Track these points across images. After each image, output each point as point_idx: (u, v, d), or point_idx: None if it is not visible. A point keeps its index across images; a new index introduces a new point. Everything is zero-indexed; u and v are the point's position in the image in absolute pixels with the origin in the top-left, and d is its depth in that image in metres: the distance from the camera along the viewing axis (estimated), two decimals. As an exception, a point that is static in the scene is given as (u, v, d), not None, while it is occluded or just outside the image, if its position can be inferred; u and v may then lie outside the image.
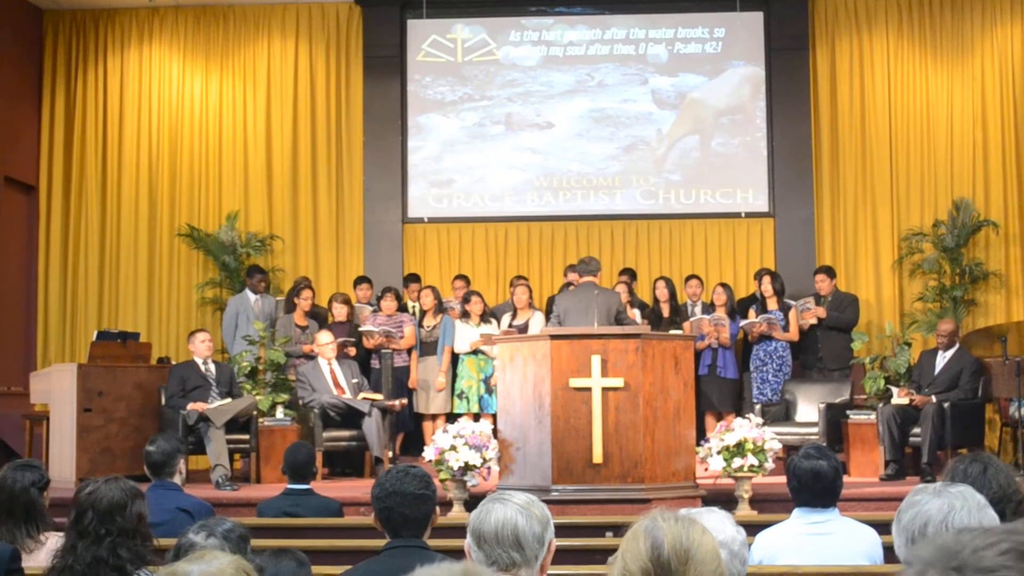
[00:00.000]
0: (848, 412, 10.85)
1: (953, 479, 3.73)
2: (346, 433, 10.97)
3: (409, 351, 11.93)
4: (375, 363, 11.80)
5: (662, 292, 12.17)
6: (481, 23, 14.02)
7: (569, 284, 12.14)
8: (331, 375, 11.19)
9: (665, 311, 12.08)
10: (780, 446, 8.93)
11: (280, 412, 10.98)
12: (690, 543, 2.37)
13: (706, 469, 8.90)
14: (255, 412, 10.70)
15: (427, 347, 11.94)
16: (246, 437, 10.65)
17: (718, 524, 3.34)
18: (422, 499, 3.91)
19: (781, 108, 13.62)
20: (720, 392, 11.74)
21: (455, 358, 11.86)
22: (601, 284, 10.24)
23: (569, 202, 13.78)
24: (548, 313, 11.96)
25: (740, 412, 11.07)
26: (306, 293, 11.99)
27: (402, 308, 12.33)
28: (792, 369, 11.83)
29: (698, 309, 12.20)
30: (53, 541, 4.67)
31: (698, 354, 11.29)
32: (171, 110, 14.00)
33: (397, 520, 3.89)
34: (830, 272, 12.33)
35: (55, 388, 10.82)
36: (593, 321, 9.22)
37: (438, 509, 4.02)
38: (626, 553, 2.39)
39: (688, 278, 12.52)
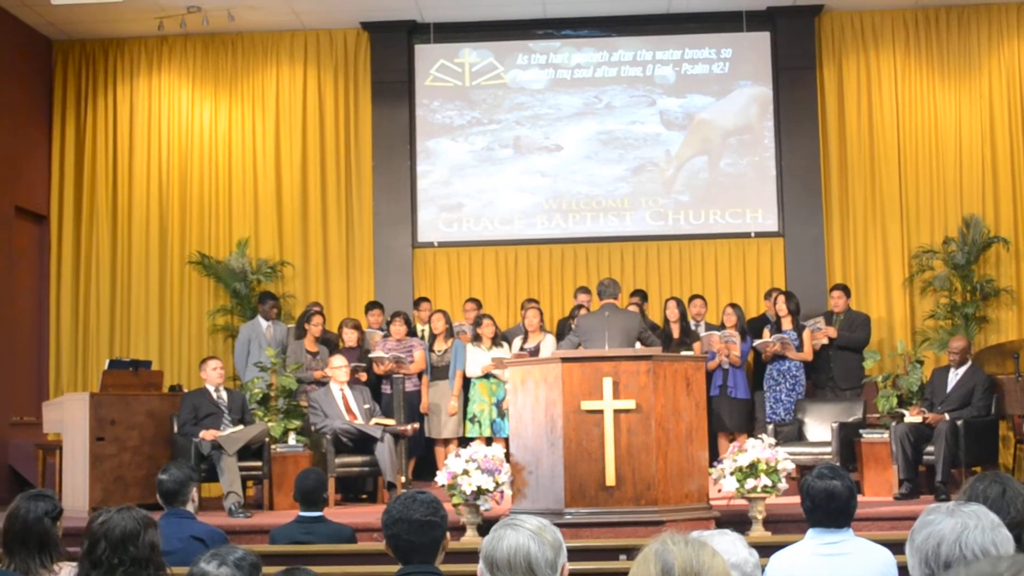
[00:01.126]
0: (861, 431, 10.82)
1: (971, 499, 3.70)
2: (358, 459, 10.96)
3: (419, 376, 11.92)
4: (386, 388, 11.80)
5: (673, 312, 12.15)
6: (488, 47, 14.06)
7: (580, 306, 12.14)
8: (343, 401, 11.18)
9: (675, 332, 12.06)
10: (793, 466, 8.90)
11: (292, 438, 10.97)
12: (700, 566, 2.36)
13: (719, 490, 8.89)
14: (267, 439, 10.70)
15: (438, 371, 11.94)
16: (259, 464, 10.63)
17: (730, 546, 3.33)
18: (429, 526, 3.89)
19: (789, 127, 13.63)
20: (732, 412, 11.72)
21: (467, 382, 11.86)
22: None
23: (579, 224, 13.80)
24: (559, 336, 11.98)
25: (752, 432, 11.05)
26: (316, 319, 12.00)
27: (412, 332, 12.33)
28: (805, 388, 11.81)
29: (701, 329, 12.19)
30: (67, 571, 4.67)
31: (709, 375, 11.28)
32: (181, 138, 14.05)
33: (405, 547, 3.88)
34: (846, 290, 12.33)
35: (68, 417, 10.83)
36: (605, 344, 9.22)
37: (448, 535, 4.00)
38: (637, 577, 2.39)
39: (692, 298, 12.53)
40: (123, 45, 14.17)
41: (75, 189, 14.03)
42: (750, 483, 8.59)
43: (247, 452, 10.50)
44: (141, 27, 13.64)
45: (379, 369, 11.73)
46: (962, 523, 3.04)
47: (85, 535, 4.36)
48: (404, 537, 3.87)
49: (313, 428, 11.10)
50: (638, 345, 9.93)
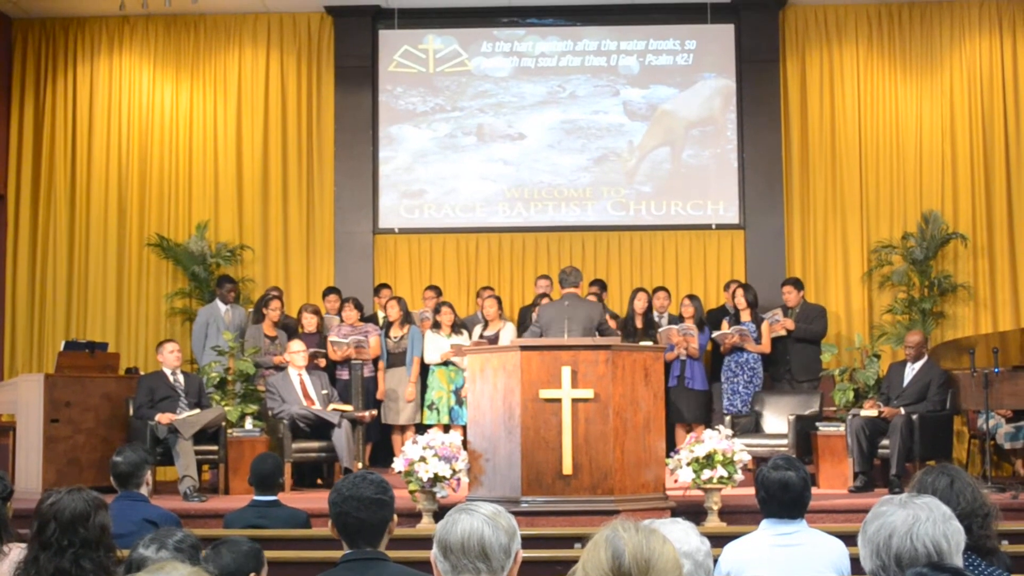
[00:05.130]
0: (817, 424, 10.87)
1: (920, 491, 3.73)
2: (315, 444, 10.93)
3: (375, 362, 11.89)
4: (343, 374, 11.76)
5: (641, 304, 12.16)
6: (453, 34, 14.02)
7: (544, 295, 12.13)
8: (300, 386, 11.14)
9: (639, 323, 12.08)
10: (749, 458, 8.95)
11: (249, 423, 10.92)
12: (651, 552, 2.37)
13: (675, 481, 8.92)
14: (224, 423, 10.65)
15: (395, 358, 11.90)
16: (215, 448, 10.59)
17: (682, 535, 3.34)
18: (379, 504, 3.86)
19: (751, 120, 13.67)
20: (689, 403, 11.74)
21: (425, 369, 11.84)
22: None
23: (540, 213, 13.79)
24: (521, 325, 11.98)
25: (709, 423, 11.09)
26: (275, 304, 11.94)
27: (372, 318, 12.29)
28: (763, 381, 11.86)
29: (665, 320, 12.21)
30: (16, 552, 4.62)
31: (667, 366, 11.30)
32: (141, 119, 13.94)
33: (352, 525, 3.84)
34: (797, 284, 12.36)
35: (22, 398, 10.74)
36: (565, 333, 9.23)
37: (395, 518, 3.97)
38: (587, 563, 2.38)
39: (656, 290, 12.53)
40: (84, 24, 14.03)
41: (33, 169, 13.90)
42: (706, 474, 8.63)
43: (203, 436, 10.45)
44: (102, 6, 13.52)
45: (336, 355, 11.68)
46: (913, 515, 3.05)
47: (35, 516, 4.32)
48: (353, 515, 3.83)
49: (270, 413, 11.06)
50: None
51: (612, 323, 11.15)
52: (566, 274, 9.99)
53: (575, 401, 8.54)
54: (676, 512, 8.44)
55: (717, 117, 13.82)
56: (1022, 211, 13.37)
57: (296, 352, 11.18)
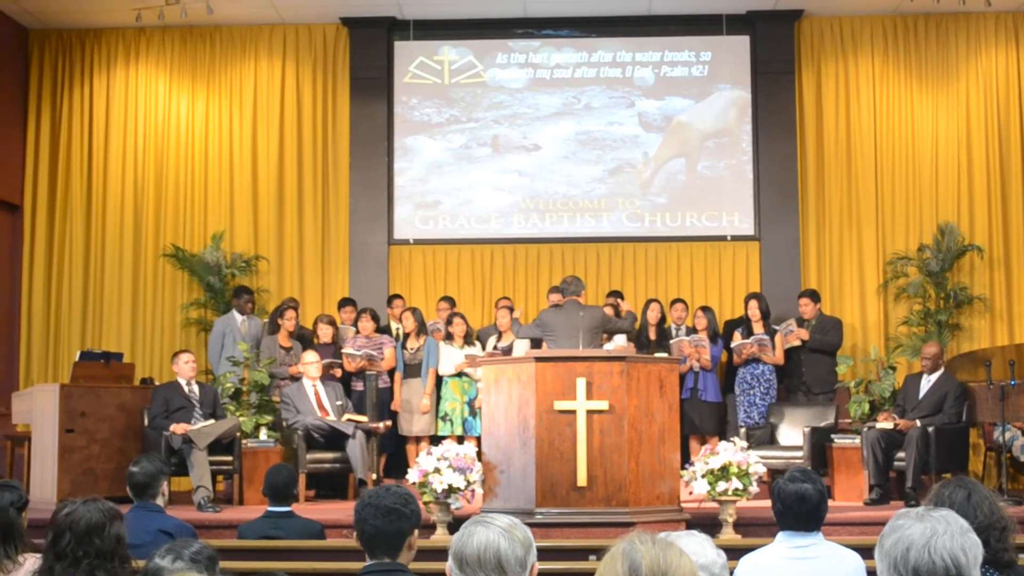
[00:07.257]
0: (833, 436, 10.84)
1: (937, 504, 3.70)
2: (330, 455, 10.92)
3: (390, 373, 11.88)
4: (358, 385, 11.76)
5: (654, 315, 12.17)
6: (468, 45, 14.04)
7: (556, 306, 12.11)
8: (315, 397, 11.15)
9: (652, 334, 12.07)
10: (765, 470, 8.93)
11: (264, 434, 10.92)
12: (667, 565, 2.36)
13: (691, 493, 8.90)
14: (238, 433, 10.65)
15: (411, 369, 11.89)
16: (229, 459, 10.59)
17: (698, 547, 3.33)
18: (396, 514, 3.86)
19: (767, 131, 13.64)
20: (702, 415, 11.72)
21: (439, 380, 11.82)
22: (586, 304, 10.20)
23: (555, 224, 13.78)
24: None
25: (723, 435, 11.07)
26: (289, 314, 11.96)
27: (385, 329, 12.29)
28: (778, 392, 11.83)
29: (682, 333, 12.19)
30: (31, 563, 4.62)
31: (680, 378, 11.28)
32: (157, 130, 13.97)
33: (368, 533, 3.86)
34: (814, 296, 12.33)
35: (37, 408, 10.75)
36: (579, 343, 9.22)
37: (416, 532, 3.97)
38: (604, 576, 2.38)
39: (673, 302, 12.51)
40: (100, 36, 14.08)
41: (49, 179, 13.95)
42: (721, 486, 8.61)
43: (218, 446, 10.45)
44: (119, 18, 13.57)
45: (350, 366, 11.69)
46: (931, 528, 3.03)
47: (50, 526, 4.32)
48: (370, 522, 3.85)
49: (285, 423, 11.06)
50: (620, 339, 9.93)
51: (622, 307, 11.19)
52: (567, 283, 10.01)
53: (590, 413, 8.52)
54: (691, 524, 8.42)
55: (732, 128, 13.81)
56: (1038, 223, 13.36)
57: (310, 363, 11.19)
